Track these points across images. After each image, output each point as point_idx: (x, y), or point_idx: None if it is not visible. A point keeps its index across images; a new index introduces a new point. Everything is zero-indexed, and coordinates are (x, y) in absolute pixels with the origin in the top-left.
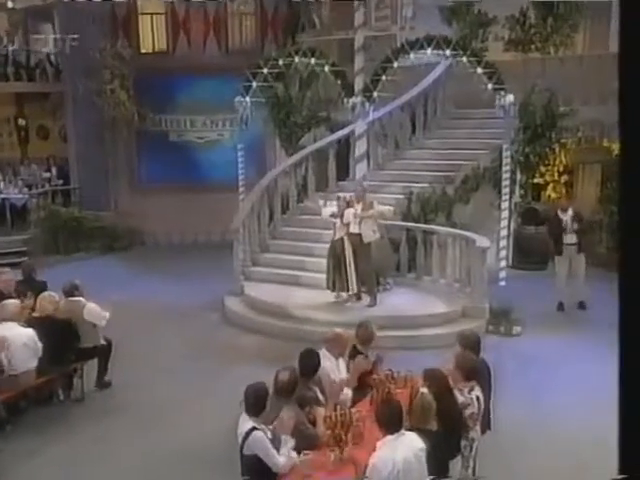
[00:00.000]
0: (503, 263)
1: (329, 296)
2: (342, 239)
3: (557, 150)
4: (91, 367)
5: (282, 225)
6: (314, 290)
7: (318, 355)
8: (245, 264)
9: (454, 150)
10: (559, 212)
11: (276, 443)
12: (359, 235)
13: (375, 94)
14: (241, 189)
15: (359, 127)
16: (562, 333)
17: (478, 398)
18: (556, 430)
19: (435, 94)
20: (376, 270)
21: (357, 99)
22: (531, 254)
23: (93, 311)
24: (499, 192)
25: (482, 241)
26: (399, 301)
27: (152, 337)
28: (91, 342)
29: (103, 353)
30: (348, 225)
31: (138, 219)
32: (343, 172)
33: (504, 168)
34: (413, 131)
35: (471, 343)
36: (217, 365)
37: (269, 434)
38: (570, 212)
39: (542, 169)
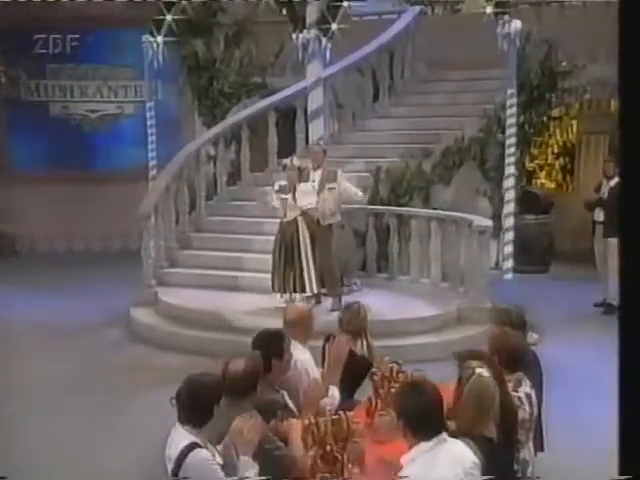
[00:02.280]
0: (509, 263)
1: (277, 300)
2: (295, 221)
3: (555, 122)
4: None
5: (208, 214)
6: (256, 294)
7: (284, 337)
8: (159, 264)
9: (430, 118)
10: (603, 180)
11: (229, 470)
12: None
13: (334, 26)
14: (152, 181)
15: (312, 71)
16: (588, 341)
17: (529, 397)
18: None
19: (403, 51)
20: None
21: (310, 33)
22: (529, 251)
23: None
24: (485, 174)
25: (481, 221)
26: (372, 304)
27: (26, 366)
28: None
29: None
30: (301, 202)
31: (8, 219)
32: (287, 147)
33: (508, 131)
34: (376, 98)
35: (513, 319)
36: (118, 396)
37: (217, 457)
38: (612, 183)
39: (533, 150)
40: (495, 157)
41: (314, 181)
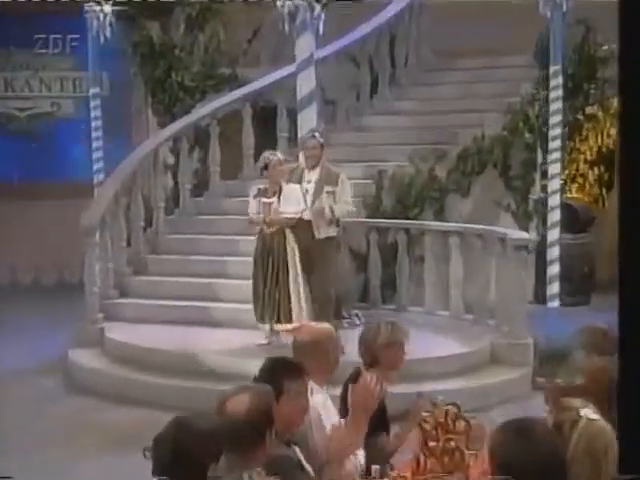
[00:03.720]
0: (554, 287)
1: (257, 335)
2: (281, 232)
3: (590, 122)
4: None
5: (168, 231)
6: (232, 330)
7: (302, 371)
8: (106, 293)
9: (442, 115)
10: None
11: None
12: (310, 225)
13: None
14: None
15: (302, 48)
16: None
17: None
18: None
19: (406, 34)
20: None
21: None
22: (567, 278)
23: None
24: (509, 183)
25: (518, 234)
26: None
27: None
28: None
29: None
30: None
31: None
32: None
33: (552, 120)
34: (374, 91)
35: (611, 344)
36: (52, 464)
37: None
38: None
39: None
40: (521, 162)
41: (309, 182)
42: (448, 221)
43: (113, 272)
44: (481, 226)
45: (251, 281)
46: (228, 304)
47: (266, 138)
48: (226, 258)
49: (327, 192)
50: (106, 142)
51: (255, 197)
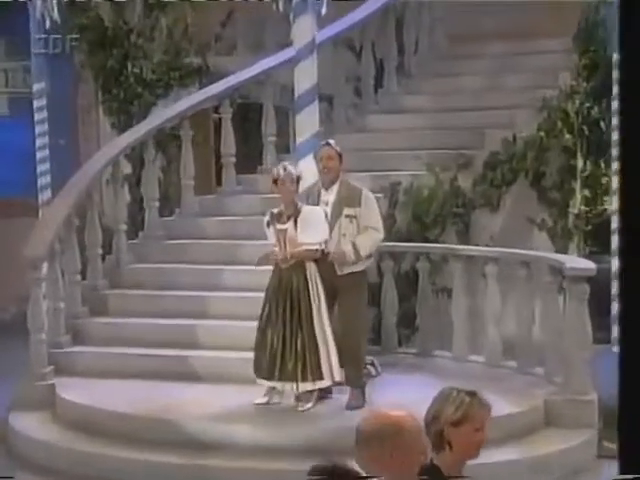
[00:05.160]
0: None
1: (248, 392)
2: (301, 267)
3: None
4: None
5: (132, 259)
6: (219, 386)
7: None
8: (56, 340)
9: (463, 113)
10: None
11: None
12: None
13: None
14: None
15: (300, 32)
16: None
17: None
18: None
19: (416, 14)
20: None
21: None
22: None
23: None
24: (543, 195)
25: (579, 263)
26: (405, 397)
27: None
28: None
29: None
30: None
31: None
32: (247, 159)
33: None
34: (379, 84)
35: None
36: None
37: None
38: None
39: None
40: (558, 169)
41: (327, 204)
42: (475, 242)
43: (65, 313)
44: (528, 252)
45: (255, 325)
46: (210, 352)
47: (246, 144)
48: (206, 293)
49: (346, 216)
50: (52, 153)
51: (269, 225)
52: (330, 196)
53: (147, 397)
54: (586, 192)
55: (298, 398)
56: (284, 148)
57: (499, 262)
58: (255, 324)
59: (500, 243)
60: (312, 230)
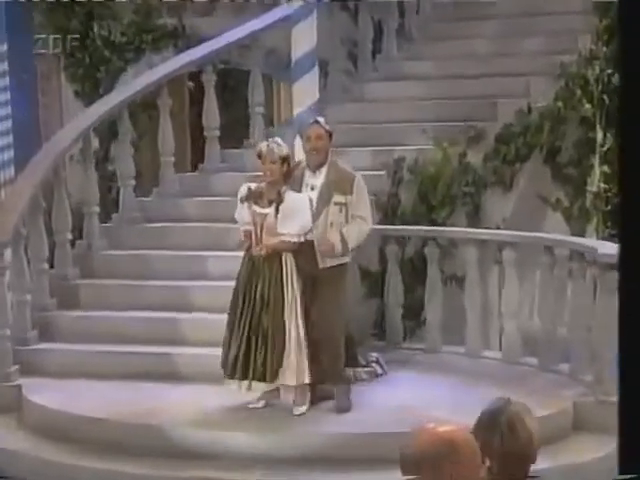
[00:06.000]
0: None
1: (239, 396)
2: (278, 258)
3: None
4: None
5: (105, 245)
6: (206, 386)
7: None
8: (22, 336)
9: (471, 80)
10: None
11: None
12: (313, 248)
13: None
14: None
15: None
16: None
17: None
18: None
19: None
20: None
21: None
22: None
23: None
24: (558, 172)
25: (607, 248)
26: (402, 396)
27: None
28: None
29: None
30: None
31: None
32: (233, 132)
33: None
34: (377, 49)
35: None
36: None
37: None
38: None
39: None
40: (574, 143)
41: (313, 188)
42: (486, 225)
43: (31, 306)
44: (550, 236)
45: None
46: (194, 348)
47: (226, 115)
48: (189, 283)
49: (336, 203)
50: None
51: (243, 201)
52: (317, 180)
53: (125, 400)
54: (605, 168)
55: (294, 402)
56: (268, 121)
57: (517, 247)
58: None
59: (512, 226)
60: (293, 221)
